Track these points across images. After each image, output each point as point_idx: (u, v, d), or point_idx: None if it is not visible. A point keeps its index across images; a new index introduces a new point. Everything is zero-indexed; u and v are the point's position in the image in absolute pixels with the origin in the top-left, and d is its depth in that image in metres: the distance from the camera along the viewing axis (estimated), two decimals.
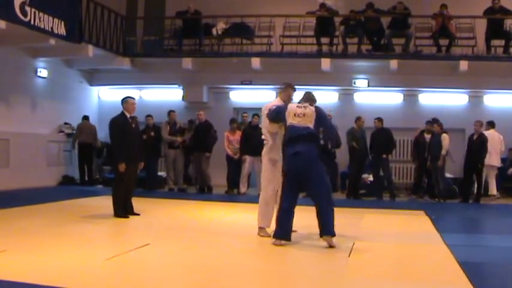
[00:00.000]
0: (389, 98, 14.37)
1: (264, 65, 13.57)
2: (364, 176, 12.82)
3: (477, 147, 11.64)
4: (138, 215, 8.33)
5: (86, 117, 13.90)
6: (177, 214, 9.16)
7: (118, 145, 8.16)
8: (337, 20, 13.51)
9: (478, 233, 8.30)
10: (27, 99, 12.79)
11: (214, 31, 14.23)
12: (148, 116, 12.82)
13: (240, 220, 8.51)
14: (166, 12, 15.13)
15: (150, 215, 8.52)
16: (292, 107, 6.49)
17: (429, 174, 12.16)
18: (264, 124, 6.89)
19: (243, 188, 12.34)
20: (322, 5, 13.44)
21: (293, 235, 6.41)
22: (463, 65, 12.76)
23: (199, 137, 12.66)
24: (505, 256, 5.98)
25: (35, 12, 10.30)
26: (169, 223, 8.05)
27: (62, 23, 11.17)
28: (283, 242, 6.23)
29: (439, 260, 5.71)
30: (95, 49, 12.81)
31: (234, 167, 12.60)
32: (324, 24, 13.46)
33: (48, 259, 5.24)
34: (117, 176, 8.25)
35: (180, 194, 12.37)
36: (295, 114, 6.37)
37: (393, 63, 13.05)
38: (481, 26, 12.96)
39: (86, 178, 13.50)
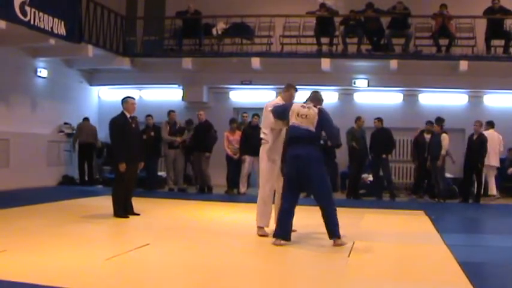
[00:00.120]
0: (389, 98, 14.38)
1: (264, 65, 13.58)
2: (364, 176, 12.83)
3: (477, 147, 11.64)
4: (138, 215, 8.33)
5: (86, 119, 13.91)
6: (177, 214, 9.16)
7: (118, 145, 8.17)
8: (337, 20, 13.52)
9: (478, 233, 8.30)
10: (27, 99, 12.79)
11: (214, 31, 14.22)
12: (148, 116, 12.82)
13: (240, 220, 8.51)
14: (166, 12, 15.13)
15: (150, 215, 8.52)
16: (296, 106, 6.46)
17: (429, 174, 12.16)
18: (264, 123, 6.88)
19: (242, 188, 12.35)
20: (322, 5, 13.45)
21: (293, 235, 6.42)
22: (463, 65, 12.77)
23: (199, 137, 12.66)
24: (505, 256, 5.98)
25: (34, 12, 10.29)
26: (169, 223, 8.05)
27: (62, 23, 11.16)
28: (283, 242, 6.24)
29: (439, 260, 5.71)
30: (94, 49, 12.81)
31: (233, 167, 12.60)
32: (324, 24, 13.46)
33: (48, 259, 5.24)
34: (117, 176, 8.25)
35: (180, 194, 12.37)
36: (298, 114, 6.35)
37: (393, 63, 13.06)
38: (481, 26, 12.96)
39: (86, 178, 13.51)
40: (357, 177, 12.39)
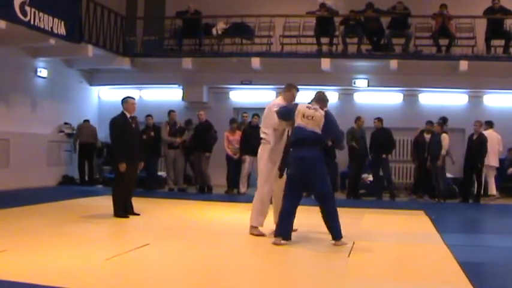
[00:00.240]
0: (389, 98, 14.38)
1: (264, 65, 13.57)
2: (364, 176, 12.83)
3: (477, 147, 11.65)
4: (138, 215, 8.33)
5: (86, 121, 13.92)
6: (177, 214, 9.16)
7: (118, 145, 8.17)
8: (337, 20, 13.52)
9: (478, 233, 8.30)
10: (27, 99, 12.79)
11: (214, 31, 14.22)
12: (148, 116, 12.82)
13: (240, 220, 8.46)
14: (166, 12, 15.13)
15: (150, 215, 8.52)
16: (302, 107, 6.39)
17: (429, 175, 12.16)
18: (266, 123, 6.84)
19: (242, 188, 12.35)
20: (322, 5, 13.45)
21: (293, 235, 6.41)
22: (463, 65, 12.77)
23: (199, 137, 12.66)
24: (505, 256, 5.98)
25: (34, 12, 10.29)
26: (169, 223, 8.05)
27: (62, 23, 11.17)
28: (283, 241, 6.24)
29: (439, 260, 5.71)
30: (94, 49, 12.81)
31: (233, 167, 12.60)
32: (324, 24, 13.46)
33: (48, 259, 5.24)
34: (117, 176, 8.25)
35: (180, 194, 12.37)
36: (304, 115, 6.29)
37: (393, 63, 13.05)
38: (481, 26, 12.96)
39: (86, 178, 13.51)
40: (357, 177, 12.39)
